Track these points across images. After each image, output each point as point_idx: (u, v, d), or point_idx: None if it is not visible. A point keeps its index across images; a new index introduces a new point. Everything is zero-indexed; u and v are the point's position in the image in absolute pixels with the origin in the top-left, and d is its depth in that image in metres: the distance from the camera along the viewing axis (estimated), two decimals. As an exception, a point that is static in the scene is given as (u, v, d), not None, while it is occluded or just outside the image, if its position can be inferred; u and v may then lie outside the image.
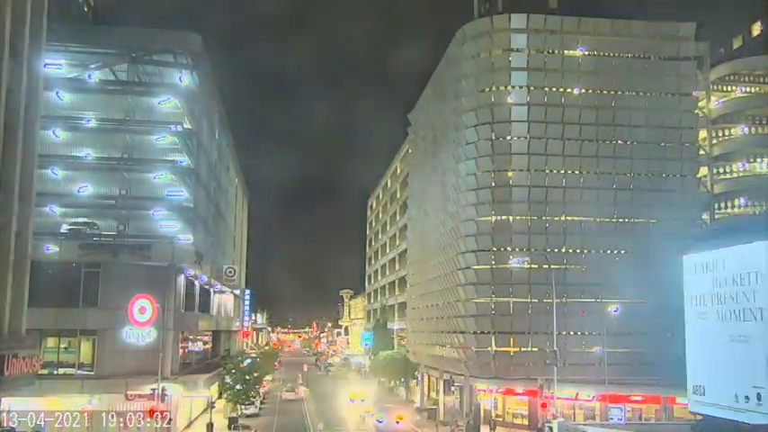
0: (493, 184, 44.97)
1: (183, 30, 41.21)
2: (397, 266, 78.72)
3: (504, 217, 44.60)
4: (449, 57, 51.24)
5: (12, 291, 19.82)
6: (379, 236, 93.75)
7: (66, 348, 36.74)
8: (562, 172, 44.82)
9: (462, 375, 46.36)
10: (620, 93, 45.67)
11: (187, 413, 42.91)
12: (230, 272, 55.41)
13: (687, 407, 30.55)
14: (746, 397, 24.34)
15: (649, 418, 41.53)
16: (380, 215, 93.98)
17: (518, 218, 44.21)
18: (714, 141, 47.09)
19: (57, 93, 38.04)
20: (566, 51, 45.51)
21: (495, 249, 44.32)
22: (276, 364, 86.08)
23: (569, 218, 44.39)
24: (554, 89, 44.94)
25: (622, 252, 44.15)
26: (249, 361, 51.36)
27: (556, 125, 44.31)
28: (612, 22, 45.55)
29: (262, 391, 57.68)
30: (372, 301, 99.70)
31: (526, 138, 44.49)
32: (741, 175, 46.80)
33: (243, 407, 48.18)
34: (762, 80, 47.77)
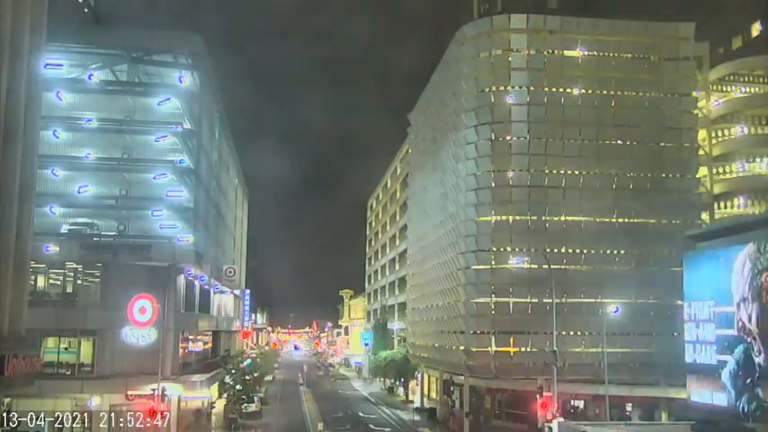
0: (493, 185, 44.96)
1: (184, 30, 41.27)
2: (397, 266, 78.68)
3: (504, 217, 44.58)
4: (448, 57, 51.22)
5: (12, 291, 19.76)
6: (379, 236, 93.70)
7: (66, 348, 36.60)
8: (562, 172, 44.79)
9: (462, 375, 46.38)
10: (620, 93, 45.58)
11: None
12: (230, 272, 55.40)
13: (687, 407, 30.54)
14: (746, 397, 24.37)
15: (650, 418, 41.52)
16: (380, 215, 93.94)
17: (518, 218, 44.19)
18: (714, 141, 47.11)
19: (57, 93, 38.07)
20: (565, 51, 45.47)
21: (495, 249, 44.31)
22: None
23: (569, 218, 44.37)
24: (554, 89, 44.89)
25: (622, 252, 44.12)
26: (249, 361, 51.38)
27: (556, 125, 44.28)
28: (612, 22, 45.51)
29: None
30: (372, 301, 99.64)
31: (526, 138, 44.48)
32: (741, 175, 46.80)
33: (243, 406, 48.21)
34: (761, 80, 47.73)
